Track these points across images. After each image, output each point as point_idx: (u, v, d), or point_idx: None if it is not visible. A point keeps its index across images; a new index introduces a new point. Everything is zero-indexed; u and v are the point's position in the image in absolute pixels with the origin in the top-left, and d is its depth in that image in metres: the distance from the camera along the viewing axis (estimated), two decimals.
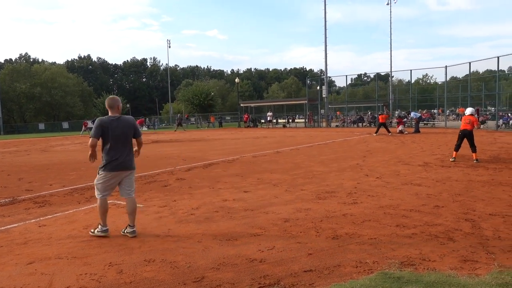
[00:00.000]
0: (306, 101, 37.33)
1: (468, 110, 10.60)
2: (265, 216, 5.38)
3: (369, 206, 5.73)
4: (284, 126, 39.60)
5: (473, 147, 10.01)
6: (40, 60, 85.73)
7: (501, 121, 25.19)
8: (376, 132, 22.15)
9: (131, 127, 4.85)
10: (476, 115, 10.48)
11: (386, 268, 3.48)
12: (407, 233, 4.48)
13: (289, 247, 4.13)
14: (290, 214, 5.41)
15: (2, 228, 5.21)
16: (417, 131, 22.49)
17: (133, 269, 3.67)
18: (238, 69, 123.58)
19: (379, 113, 26.24)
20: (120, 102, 4.89)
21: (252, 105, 46.88)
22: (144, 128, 53.61)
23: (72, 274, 3.60)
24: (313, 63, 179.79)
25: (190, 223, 5.17)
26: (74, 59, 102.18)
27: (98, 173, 4.76)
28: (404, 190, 6.81)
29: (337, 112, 44.25)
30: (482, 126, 23.02)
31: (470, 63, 26.23)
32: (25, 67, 66.42)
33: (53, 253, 4.18)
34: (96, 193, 4.79)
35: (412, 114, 26.06)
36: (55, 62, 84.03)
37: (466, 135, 10.01)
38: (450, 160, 10.16)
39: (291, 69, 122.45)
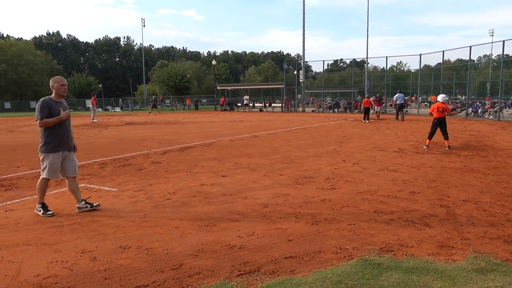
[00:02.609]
0: (283, 86, 37.25)
1: (440, 97, 10.74)
2: (244, 201, 5.31)
3: (347, 192, 5.76)
4: (261, 110, 39.47)
5: (445, 134, 10.25)
6: (5, 36, 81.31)
7: (470, 110, 25.99)
8: (366, 119, 20.80)
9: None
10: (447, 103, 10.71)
11: (366, 254, 3.49)
12: (385, 218, 4.52)
13: (268, 233, 4.09)
14: (269, 199, 5.37)
15: None
16: (398, 118, 21.60)
17: (108, 256, 3.53)
18: (214, 51, 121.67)
19: (367, 95, 24.08)
20: (54, 82, 4.78)
21: (229, 88, 46.36)
22: (117, 109, 52.23)
23: (42, 261, 3.42)
24: (290, 47, 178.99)
25: (167, 208, 5.04)
26: (42, 35, 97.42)
27: None
28: (381, 176, 6.89)
29: (311, 98, 44.50)
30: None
31: (443, 51, 26.75)
32: None
33: (21, 239, 3.97)
34: None
35: (398, 96, 22.42)
36: (21, 38, 79.69)
37: (441, 122, 10.23)
38: (424, 147, 10.37)
39: (268, 52, 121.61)
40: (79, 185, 6.30)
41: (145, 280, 3.08)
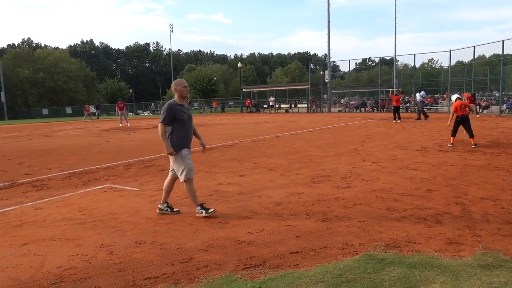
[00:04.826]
0: (309, 86, 37.11)
1: (455, 96, 10.61)
2: (258, 199, 5.44)
3: (362, 190, 5.76)
4: (287, 111, 39.51)
5: (470, 132, 10.00)
6: (42, 45, 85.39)
7: (504, 106, 24.94)
8: (395, 119, 19.61)
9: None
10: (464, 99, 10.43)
11: (371, 250, 3.53)
12: (396, 216, 4.51)
13: (278, 229, 4.19)
14: (283, 198, 5.47)
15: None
16: (419, 117, 20.57)
17: (124, 250, 3.75)
18: (241, 53, 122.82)
19: (395, 93, 22.46)
20: (176, 85, 4.84)
21: (255, 90, 46.68)
22: (146, 113, 53.68)
23: (64, 255, 3.68)
24: (317, 48, 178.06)
25: (183, 206, 5.23)
26: (76, 43, 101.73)
27: None
28: (399, 174, 6.83)
29: (345, 97, 43.87)
30: (485, 111, 22.71)
31: (474, 47, 25.88)
32: (28, 52, 66.30)
33: (47, 235, 4.27)
34: None
35: (420, 94, 21.34)
36: (57, 47, 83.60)
37: (464, 120, 9.99)
38: (449, 145, 10.14)
39: (295, 53, 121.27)
40: (104, 185, 6.67)
41: (156, 272, 3.26)
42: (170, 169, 4.97)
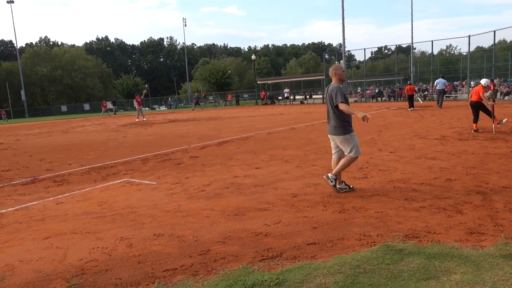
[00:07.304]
0: (323, 77, 36.73)
1: (481, 82, 10.40)
2: (274, 191, 5.43)
3: (379, 181, 5.70)
4: (302, 102, 39.24)
5: (489, 115, 9.99)
6: (59, 43, 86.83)
7: None
8: (410, 107, 20.11)
9: (329, 96, 5.03)
10: (485, 86, 10.10)
11: (389, 241, 3.49)
12: (415, 206, 4.45)
13: (295, 221, 4.18)
14: (299, 189, 5.45)
15: (22, 205, 5.46)
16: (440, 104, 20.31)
17: (143, 243, 3.81)
18: (255, 46, 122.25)
19: (409, 82, 23.39)
20: (336, 69, 5.10)
21: (269, 82, 46.47)
22: (162, 108, 54.16)
23: (85, 247, 3.77)
24: (332, 38, 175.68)
25: (200, 199, 5.28)
26: (92, 40, 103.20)
27: None
28: (417, 164, 6.72)
29: (371, 87, 42.97)
30: (506, 98, 22.03)
31: (495, 31, 25.14)
32: (45, 51, 67.59)
33: (69, 228, 4.37)
34: None
35: (439, 81, 21.07)
36: (74, 45, 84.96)
37: (472, 106, 9.97)
38: (472, 131, 10.04)
39: (309, 44, 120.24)
40: (122, 180, 6.78)
41: (174, 264, 3.30)
42: (334, 151, 5.36)
